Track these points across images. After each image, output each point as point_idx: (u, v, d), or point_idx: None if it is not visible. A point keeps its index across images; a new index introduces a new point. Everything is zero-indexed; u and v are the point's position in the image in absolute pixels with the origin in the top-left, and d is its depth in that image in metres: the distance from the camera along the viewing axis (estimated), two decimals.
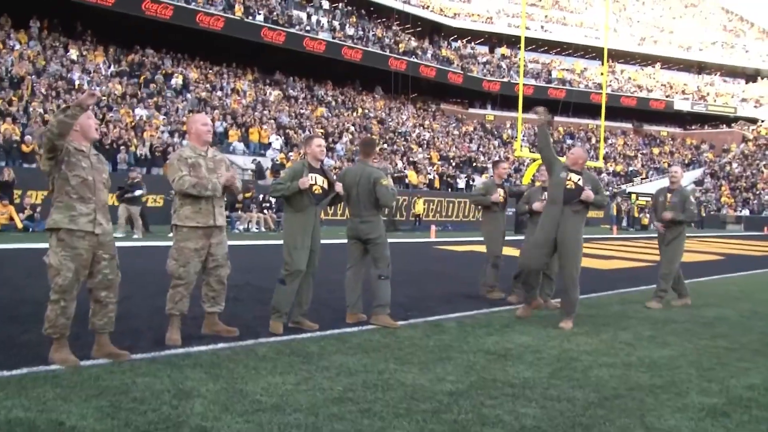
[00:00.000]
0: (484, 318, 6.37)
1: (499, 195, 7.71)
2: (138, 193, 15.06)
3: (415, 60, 38.83)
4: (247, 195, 18.32)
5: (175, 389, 3.71)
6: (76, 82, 23.32)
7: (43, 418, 3.19)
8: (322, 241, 5.72)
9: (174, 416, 3.31)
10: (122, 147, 19.31)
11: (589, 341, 5.47)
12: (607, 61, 22.56)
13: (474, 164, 33.82)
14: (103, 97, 22.59)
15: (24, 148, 17.15)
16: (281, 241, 5.52)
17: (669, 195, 7.85)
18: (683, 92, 51.38)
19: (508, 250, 8.27)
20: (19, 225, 14.67)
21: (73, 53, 26.01)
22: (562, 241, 6.06)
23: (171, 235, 5.21)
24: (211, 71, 31.24)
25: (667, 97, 50.09)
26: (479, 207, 8.26)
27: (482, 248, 8.13)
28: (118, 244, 4.52)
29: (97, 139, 4.42)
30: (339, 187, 5.68)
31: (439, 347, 5.04)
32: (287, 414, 3.40)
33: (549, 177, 6.41)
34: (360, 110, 35.60)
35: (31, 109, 19.74)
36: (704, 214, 38.03)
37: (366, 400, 3.67)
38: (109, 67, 26.37)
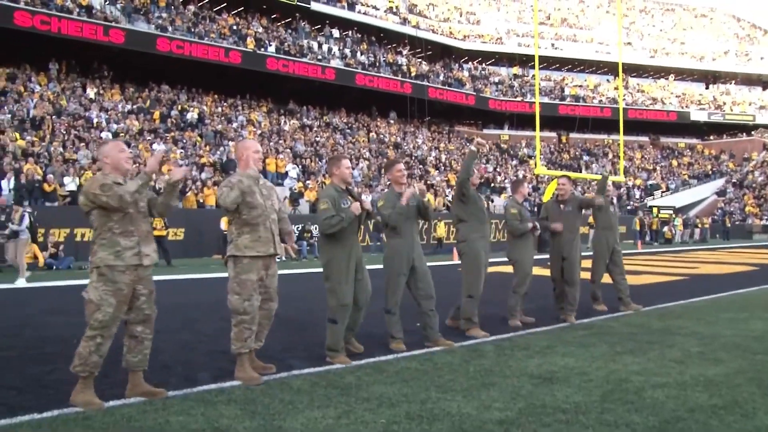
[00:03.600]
0: (522, 340, 6.14)
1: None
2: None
3: (426, 83, 38.88)
4: None
5: (210, 428, 3.54)
6: (95, 120, 23.53)
7: None
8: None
9: None
10: None
11: (636, 360, 5.22)
12: (621, 75, 22.36)
13: (492, 185, 33.59)
14: (121, 134, 22.78)
15: (46, 187, 17.22)
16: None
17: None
18: (699, 103, 50.93)
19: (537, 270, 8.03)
20: (41, 263, 14.66)
21: (91, 92, 26.31)
22: None
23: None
24: (225, 104, 31.47)
25: (682, 108, 49.68)
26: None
27: (508, 270, 7.78)
28: None
29: (129, 170, 4.28)
30: (367, 203, 5.41)
31: (480, 372, 4.83)
32: None
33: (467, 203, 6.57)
34: (375, 135, 35.63)
35: (52, 148, 19.89)
36: (730, 225, 37.40)
37: None
38: (125, 104, 26.62)
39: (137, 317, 4.13)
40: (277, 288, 4.88)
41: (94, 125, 23.18)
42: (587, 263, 8.36)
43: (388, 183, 5.98)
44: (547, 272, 7.94)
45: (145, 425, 3.58)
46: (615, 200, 8.49)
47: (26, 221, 12.52)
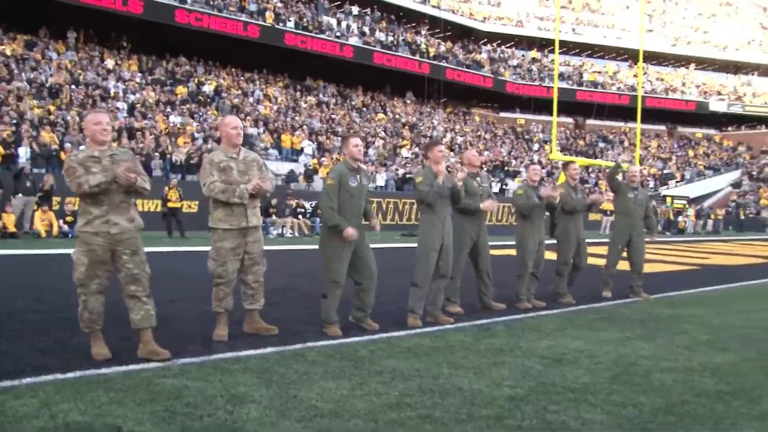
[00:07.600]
0: (533, 322, 6.22)
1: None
2: None
3: (444, 64, 38.65)
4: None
5: (228, 394, 3.64)
6: (112, 91, 23.64)
7: (99, 423, 3.15)
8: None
9: (230, 422, 3.24)
10: (157, 154, 19.50)
11: (645, 346, 5.29)
12: (641, 63, 22.14)
13: (506, 168, 33.50)
14: (137, 105, 22.90)
15: (63, 155, 17.36)
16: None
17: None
18: (719, 93, 50.28)
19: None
20: (55, 231, 14.86)
21: (109, 62, 26.38)
22: None
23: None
24: (242, 78, 31.47)
25: (702, 98, 49.09)
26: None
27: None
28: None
29: (106, 141, 4.41)
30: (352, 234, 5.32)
31: (491, 351, 4.91)
32: (346, 420, 3.31)
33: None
34: (391, 115, 35.55)
35: (69, 117, 20.02)
36: (743, 217, 37.14)
37: (425, 405, 3.57)
38: (143, 75, 26.70)
39: (126, 277, 4.34)
40: (261, 252, 5.17)
41: (111, 95, 23.29)
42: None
43: (421, 162, 6.12)
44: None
45: (164, 389, 3.69)
46: (640, 186, 8.46)
47: None
